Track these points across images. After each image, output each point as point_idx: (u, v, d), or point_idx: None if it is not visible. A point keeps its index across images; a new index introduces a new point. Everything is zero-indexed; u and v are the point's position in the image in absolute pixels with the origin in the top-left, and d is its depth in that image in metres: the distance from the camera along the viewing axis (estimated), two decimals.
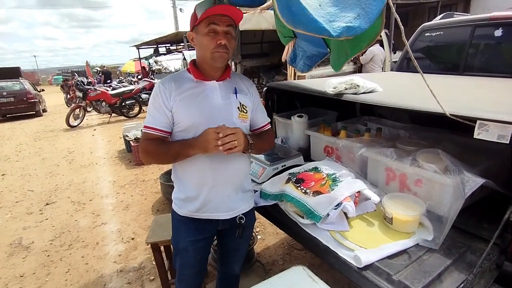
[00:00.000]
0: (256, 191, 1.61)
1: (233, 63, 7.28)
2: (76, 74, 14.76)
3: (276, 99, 2.28)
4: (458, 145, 1.50)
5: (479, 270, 1.04)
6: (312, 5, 1.02)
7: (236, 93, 1.27)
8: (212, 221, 1.30)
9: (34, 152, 6.04)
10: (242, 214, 1.33)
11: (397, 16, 1.15)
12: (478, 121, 1.09)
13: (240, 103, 1.26)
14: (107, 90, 8.52)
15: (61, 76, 26.59)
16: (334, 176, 1.48)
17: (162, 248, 1.95)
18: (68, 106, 12.42)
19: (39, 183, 4.35)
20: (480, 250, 1.13)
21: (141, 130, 1.26)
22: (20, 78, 12.21)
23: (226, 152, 1.09)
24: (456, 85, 2.03)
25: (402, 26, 1.11)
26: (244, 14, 6.39)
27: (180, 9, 18.31)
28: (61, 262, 2.55)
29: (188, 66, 1.26)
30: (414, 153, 1.42)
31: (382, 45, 6.13)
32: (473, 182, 1.15)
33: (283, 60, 5.98)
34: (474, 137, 1.10)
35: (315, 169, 1.59)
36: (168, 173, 3.39)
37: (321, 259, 1.26)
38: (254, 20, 5.69)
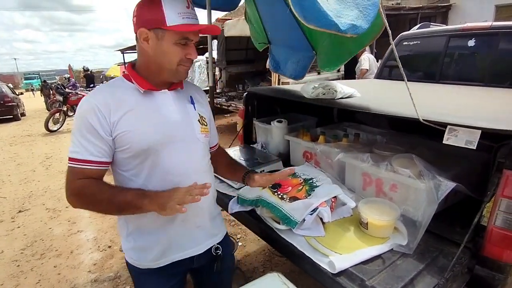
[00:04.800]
0: (234, 196, 1.59)
1: (217, 69, 7.28)
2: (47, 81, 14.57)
3: (257, 104, 2.27)
4: (432, 151, 1.53)
5: (451, 274, 1.04)
6: None
7: (193, 103, 1.07)
8: (185, 261, 1.07)
9: (8, 158, 5.81)
10: (217, 243, 1.16)
11: (387, 23, 1.17)
12: (448, 126, 1.11)
13: (200, 114, 1.08)
14: None
15: (35, 80, 25.66)
16: (311, 181, 1.48)
17: None
18: (50, 111, 12.09)
19: (12, 190, 4.18)
20: (452, 254, 1.13)
21: (68, 164, 0.91)
22: None
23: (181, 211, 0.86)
24: (431, 93, 2.09)
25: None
26: (229, 21, 6.41)
27: None
28: (31, 273, 2.44)
29: (125, 72, 1.00)
30: (390, 158, 1.44)
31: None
32: (445, 186, 1.17)
33: (267, 67, 6.03)
34: (444, 142, 1.12)
35: (293, 174, 1.57)
36: None
37: (296, 265, 1.24)
38: (239, 26, 5.72)
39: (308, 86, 1.68)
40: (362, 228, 1.27)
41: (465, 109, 1.54)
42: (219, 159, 1.29)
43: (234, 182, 1.74)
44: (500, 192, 1.01)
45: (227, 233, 1.25)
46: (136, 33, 0.93)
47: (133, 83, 0.96)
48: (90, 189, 0.90)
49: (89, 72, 15.29)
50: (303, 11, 1.02)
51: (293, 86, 2.51)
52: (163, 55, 0.93)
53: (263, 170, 1.80)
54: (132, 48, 15.06)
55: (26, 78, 31.46)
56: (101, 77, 21.29)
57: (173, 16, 0.88)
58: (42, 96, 13.96)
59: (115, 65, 20.56)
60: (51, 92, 13.84)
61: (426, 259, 1.12)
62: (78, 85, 11.75)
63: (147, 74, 0.97)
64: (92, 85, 13.23)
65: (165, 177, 0.97)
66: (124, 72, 0.99)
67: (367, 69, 5.25)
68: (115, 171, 1.00)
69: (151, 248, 1.02)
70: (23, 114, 11.60)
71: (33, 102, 14.05)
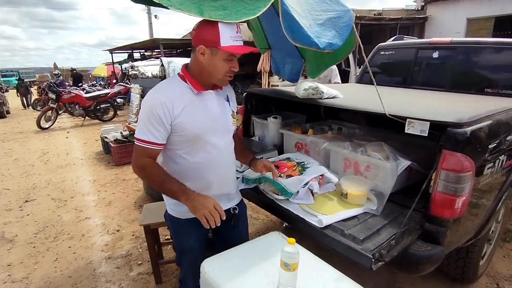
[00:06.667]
0: (238, 177, 1.92)
1: None
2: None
3: (254, 103, 2.62)
4: (399, 141, 1.91)
5: (407, 228, 1.42)
6: (306, 24, 1.40)
7: (228, 101, 1.39)
8: None
9: (4, 153, 5.91)
10: (235, 205, 1.49)
11: (359, 38, 1.56)
12: (407, 119, 1.49)
13: (232, 110, 1.40)
14: (81, 93, 8.45)
15: (13, 78, 24.55)
16: (303, 163, 1.84)
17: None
18: (35, 109, 11.99)
19: (14, 182, 4.34)
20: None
21: (135, 142, 1.23)
22: None
23: (204, 225, 1.20)
24: (401, 95, 2.49)
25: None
26: None
27: (155, 16, 18.34)
28: (48, 252, 2.68)
29: (181, 74, 1.28)
30: (365, 145, 1.82)
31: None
32: (403, 163, 1.55)
33: (258, 70, 6.39)
34: (405, 132, 1.50)
35: (288, 159, 1.93)
36: None
37: (292, 225, 1.59)
38: None
39: (299, 87, 2.04)
40: (343, 198, 1.63)
41: (424, 107, 1.93)
42: (236, 143, 1.56)
43: (238, 167, 2.07)
44: (440, 166, 1.40)
45: (242, 198, 1.60)
46: (195, 46, 1.20)
47: (187, 83, 1.25)
48: (151, 170, 1.24)
49: (75, 72, 15.29)
50: (292, 34, 1.41)
51: (285, 88, 2.88)
52: (214, 68, 1.21)
53: (262, 157, 2.15)
54: (121, 48, 15.11)
55: (3, 76, 29.96)
56: (89, 76, 21.12)
57: (226, 39, 1.15)
58: (19, 96, 13.69)
59: (102, 64, 20.42)
60: (28, 90, 13.62)
61: (389, 218, 1.50)
62: (66, 83, 11.76)
63: (198, 77, 1.26)
64: (80, 84, 13.21)
65: (208, 154, 1.30)
66: (179, 73, 1.30)
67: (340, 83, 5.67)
68: (169, 149, 1.30)
69: None
70: (8, 112, 11.47)
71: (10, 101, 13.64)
